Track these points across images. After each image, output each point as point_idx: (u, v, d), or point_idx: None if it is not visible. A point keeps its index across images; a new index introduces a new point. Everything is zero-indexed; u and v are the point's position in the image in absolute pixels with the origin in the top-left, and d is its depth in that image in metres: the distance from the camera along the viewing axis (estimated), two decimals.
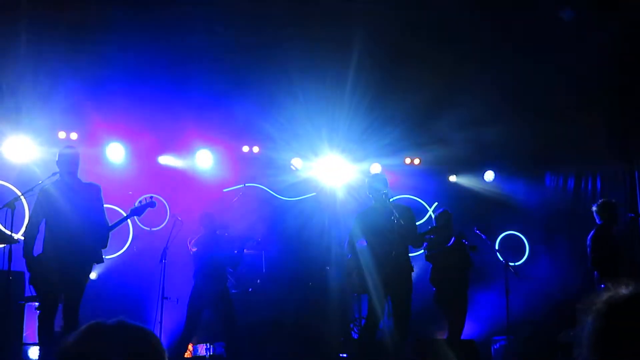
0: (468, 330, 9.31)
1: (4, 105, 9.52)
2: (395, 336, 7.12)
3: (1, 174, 9.68)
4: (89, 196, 6.75)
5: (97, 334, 1.69)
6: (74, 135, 10.07)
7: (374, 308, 7.20)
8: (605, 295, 1.76)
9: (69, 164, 6.72)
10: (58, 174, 6.70)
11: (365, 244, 7.33)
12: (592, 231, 8.18)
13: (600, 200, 8.67)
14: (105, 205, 6.99)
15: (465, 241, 8.69)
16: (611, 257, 7.93)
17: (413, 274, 7.44)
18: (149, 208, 7.12)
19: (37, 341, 6.62)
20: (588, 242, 8.10)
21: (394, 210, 7.27)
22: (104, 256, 6.92)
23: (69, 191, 6.64)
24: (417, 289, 9.74)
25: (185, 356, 9.49)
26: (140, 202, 7.14)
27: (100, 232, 6.72)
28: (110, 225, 6.87)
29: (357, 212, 7.76)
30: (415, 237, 7.51)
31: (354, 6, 9.93)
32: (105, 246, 6.81)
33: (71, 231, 6.49)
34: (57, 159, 6.77)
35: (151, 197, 7.24)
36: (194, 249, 8.07)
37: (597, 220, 8.23)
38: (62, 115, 9.92)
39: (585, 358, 1.71)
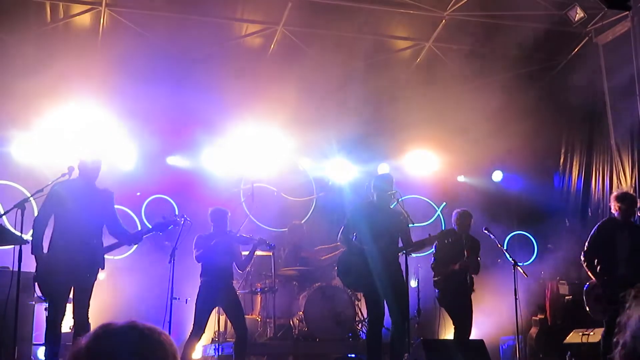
0: (477, 330, 9.28)
1: (13, 107, 9.56)
2: (398, 336, 7.11)
3: (11, 175, 9.72)
4: (101, 201, 6.79)
5: (109, 335, 1.70)
6: (83, 137, 10.09)
7: (372, 307, 7.18)
8: None
9: (90, 172, 6.80)
10: (67, 175, 6.72)
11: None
12: (599, 222, 7.81)
13: (618, 191, 8.34)
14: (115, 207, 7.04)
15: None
16: (605, 253, 7.41)
17: (421, 273, 7.37)
18: (172, 226, 7.23)
19: (44, 341, 6.63)
20: (591, 233, 7.65)
21: (403, 211, 7.29)
22: (115, 257, 6.98)
23: (83, 194, 6.67)
24: (424, 289, 9.77)
25: (194, 356, 9.51)
26: (164, 217, 7.22)
27: (118, 233, 6.87)
28: (130, 233, 7.02)
29: (355, 204, 7.67)
30: (410, 246, 7.43)
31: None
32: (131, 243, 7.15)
33: (80, 232, 6.51)
34: (79, 163, 6.80)
35: (183, 216, 7.41)
36: (196, 251, 8.03)
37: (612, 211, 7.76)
38: (71, 117, 9.97)
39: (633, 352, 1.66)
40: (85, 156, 6.92)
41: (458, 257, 8.40)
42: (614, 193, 7.99)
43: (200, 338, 7.88)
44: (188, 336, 7.78)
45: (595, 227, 7.66)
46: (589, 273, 7.48)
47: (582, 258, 7.51)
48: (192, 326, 7.77)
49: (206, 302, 7.82)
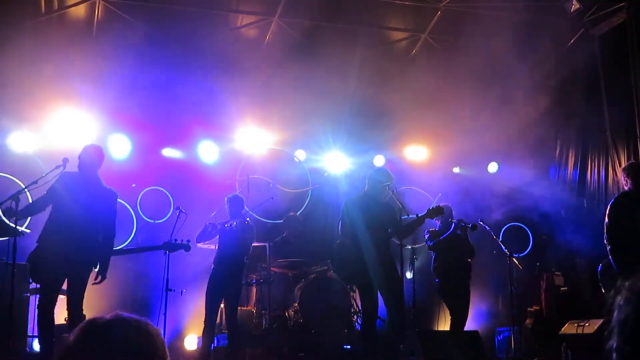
0: (472, 321, 9.31)
1: (8, 99, 9.53)
2: (394, 328, 7.13)
3: (5, 166, 9.70)
4: (105, 199, 6.76)
5: (96, 329, 1.71)
6: (78, 128, 10.07)
7: (367, 298, 7.19)
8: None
9: (92, 161, 6.76)
10: (62, 167, 6.69)
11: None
12: (612, 200, 7.15)
13: (628, 163, 7.92)
14: None
15: (463, 223, 8.68)
16: (628, 232, 6.73)
17: (416, 264, 7.39)
18: (182, 250, 7.63)
19: (37, 332, 6.60)
20: (606, 213, 6.92)
21: (398, 202, 7.33)
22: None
23: (86, 188, 6.64)
24: (419, 280, 9.78)
25: (190, 348, 9.54)
26: (175, 239, 7.54)
27: (106, 237, 6.78)
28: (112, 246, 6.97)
29: (349, 196, 7.70)
30: (401, 232, 7.46)
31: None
32: (110, 251, 6.90)
33: (76, 225, 6.46)
34: (81, 153, 6.76)
35: (188, 241, 7.60)
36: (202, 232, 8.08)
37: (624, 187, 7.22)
38: (65, 108, 9.94)
39: (618, 346, 1.63)
40: (86, 146, 6.89)
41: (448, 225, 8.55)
42: (623, 166, 7.57)
43: (213, 329, 7.96)
44: (203, 329, 7.84)
45: (610, 207, 6.95)
46: (615, 259, 6.72)
47: (607, 243, 6.79)
48: (204, 318, 7.84)
49: (214, 293, 7.87)
